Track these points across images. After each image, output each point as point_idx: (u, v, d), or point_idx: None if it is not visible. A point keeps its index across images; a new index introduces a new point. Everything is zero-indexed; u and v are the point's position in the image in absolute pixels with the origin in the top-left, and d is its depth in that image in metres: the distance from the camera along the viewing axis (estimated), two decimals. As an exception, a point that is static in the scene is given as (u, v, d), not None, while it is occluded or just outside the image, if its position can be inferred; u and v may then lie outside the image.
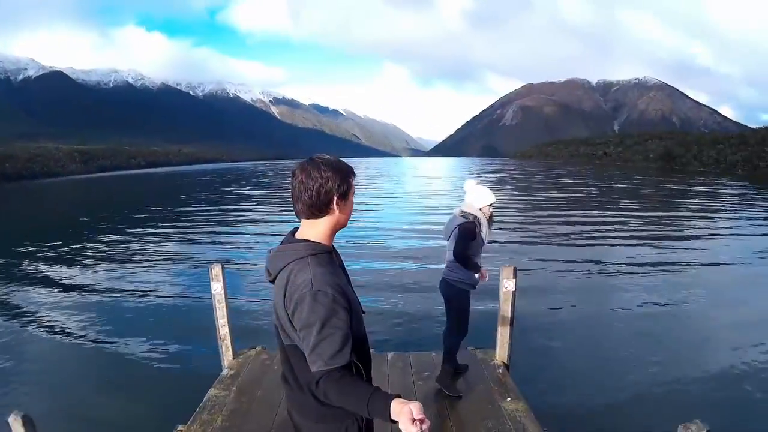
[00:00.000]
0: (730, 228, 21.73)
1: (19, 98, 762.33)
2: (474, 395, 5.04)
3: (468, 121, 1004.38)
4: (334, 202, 2.05)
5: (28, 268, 16.20)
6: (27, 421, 3.18)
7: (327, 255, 2.08)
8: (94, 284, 13.61)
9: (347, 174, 2.08)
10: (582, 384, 7.15)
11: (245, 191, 47.45)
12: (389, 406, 1.71)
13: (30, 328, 10.08)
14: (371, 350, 6.72)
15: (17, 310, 11.31)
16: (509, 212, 26.09)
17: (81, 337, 9.53)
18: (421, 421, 1.59)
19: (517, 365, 6.05)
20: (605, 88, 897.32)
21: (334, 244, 2.20)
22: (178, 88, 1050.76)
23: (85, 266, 16.16)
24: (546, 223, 22.87)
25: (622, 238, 19.05)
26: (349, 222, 2.18)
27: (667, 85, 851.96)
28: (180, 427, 4.54)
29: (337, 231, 2.15)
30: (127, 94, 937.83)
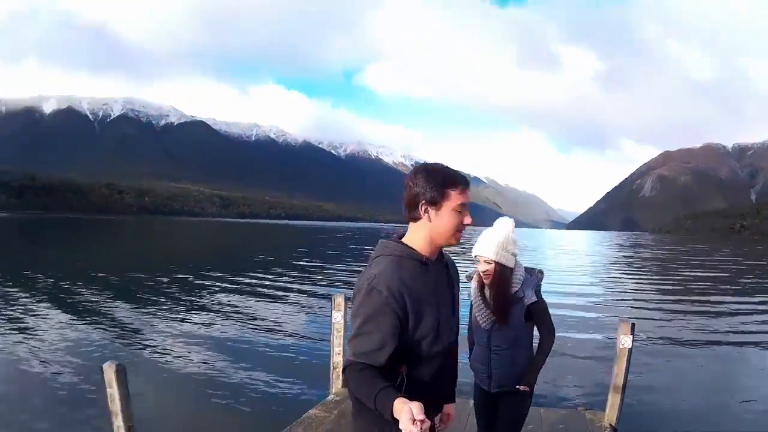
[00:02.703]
0: None
1: (160, 141, 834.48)
2: None
3: (608, 193, 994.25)
4: (421, 208, 2.02)
5: (174, 290, 18.24)
6: (120, 370, 3.41)
7: (414, 262, 2.06)
8: (222, 310, 14.97)
9: (443, 182, 2.03)
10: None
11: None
12: (392, 404, 1.72)
13: (156, 346, 10.89)
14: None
15: (151, 329, 12.24)
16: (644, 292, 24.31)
17: (200, 352, 10.37)
18: (422, 422, 1.58)
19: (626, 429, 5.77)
20: (741, 152, 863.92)
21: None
22: (321, 146, 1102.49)
23: (217, 292, 17.90)
24: (684, 304, 20.88)
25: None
26: (457, 240, 2.08)
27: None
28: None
29: (435, 242, 2.09)
30: (269, 148, 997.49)
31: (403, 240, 2.11)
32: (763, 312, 18.59)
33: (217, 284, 19.83)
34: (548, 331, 3.45)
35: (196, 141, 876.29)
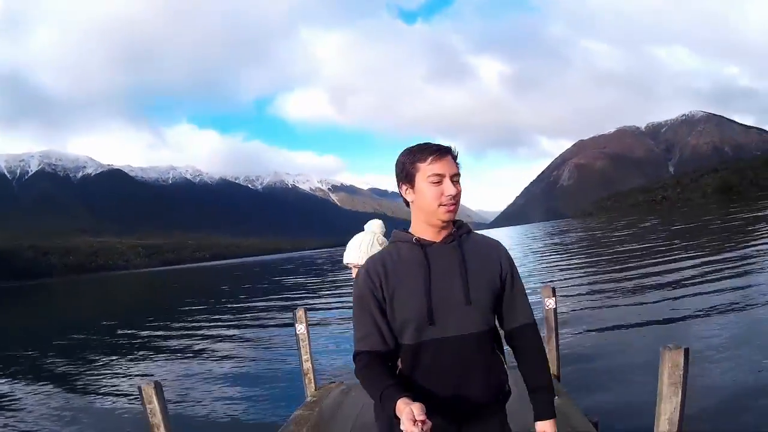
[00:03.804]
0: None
1: (79, 195, 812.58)
2: (525, 397, 5.67)
3: (526, 187, 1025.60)
4: (401, 189, 2.02)
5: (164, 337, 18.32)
6: (158, 386, 3.84)
7: (407, 245, 2.03)
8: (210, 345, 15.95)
9: (411, 158, 1.97)
10: (627, 387, 7.70)
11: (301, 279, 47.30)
12: (394, 404, 1.69)
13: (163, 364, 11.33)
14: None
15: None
16: (575, 271, 25.00)
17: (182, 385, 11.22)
18: (422, 422, 1.57)
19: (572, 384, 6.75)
20: (654, 130, 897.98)
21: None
22: (237, 182, 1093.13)
23: (199, 329, 19.11)
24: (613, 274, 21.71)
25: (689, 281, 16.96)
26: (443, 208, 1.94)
27: (714, 115, 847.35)
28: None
29: (428, 221, 2.00)
30: (186, 189, 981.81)
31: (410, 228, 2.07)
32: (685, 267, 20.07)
33: (166, 332, 20.07)
34: None
35: (114, 191, 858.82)
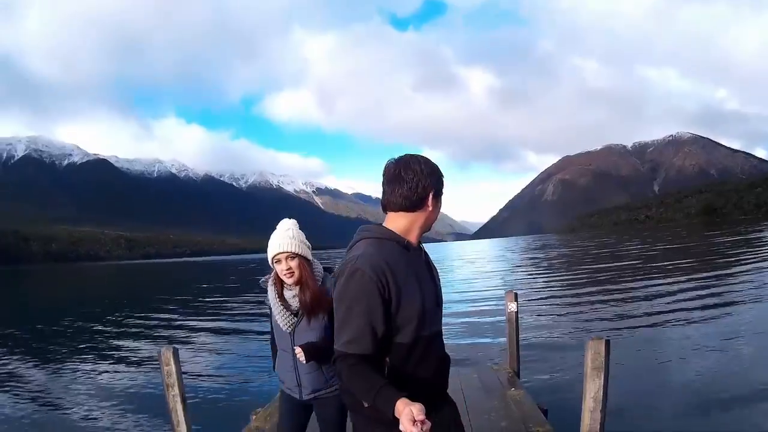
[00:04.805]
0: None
1: (64, 183, 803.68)
2: (487, 389, 6.36)
3: (510, 201, 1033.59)
4: (430, 197, 2.07)
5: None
6: (175, 351, 4.35)
7: (394, 244, 2.07)
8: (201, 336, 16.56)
9: (441, 174, 2.13)
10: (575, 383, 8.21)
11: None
12: (394, 404, 1.72)
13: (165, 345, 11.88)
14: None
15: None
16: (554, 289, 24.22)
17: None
18: (422, 422, 1.60)
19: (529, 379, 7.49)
20: (641, 150, 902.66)
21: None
22: (222, 179, 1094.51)
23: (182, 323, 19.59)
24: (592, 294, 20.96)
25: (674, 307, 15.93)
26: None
27: (701, 137, 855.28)
28: (259, 410, 5.98)
29: (424, 230, 2.15)
30: (171, 183, 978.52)
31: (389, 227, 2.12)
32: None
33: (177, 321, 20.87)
34: None
35: (99, 180, 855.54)
